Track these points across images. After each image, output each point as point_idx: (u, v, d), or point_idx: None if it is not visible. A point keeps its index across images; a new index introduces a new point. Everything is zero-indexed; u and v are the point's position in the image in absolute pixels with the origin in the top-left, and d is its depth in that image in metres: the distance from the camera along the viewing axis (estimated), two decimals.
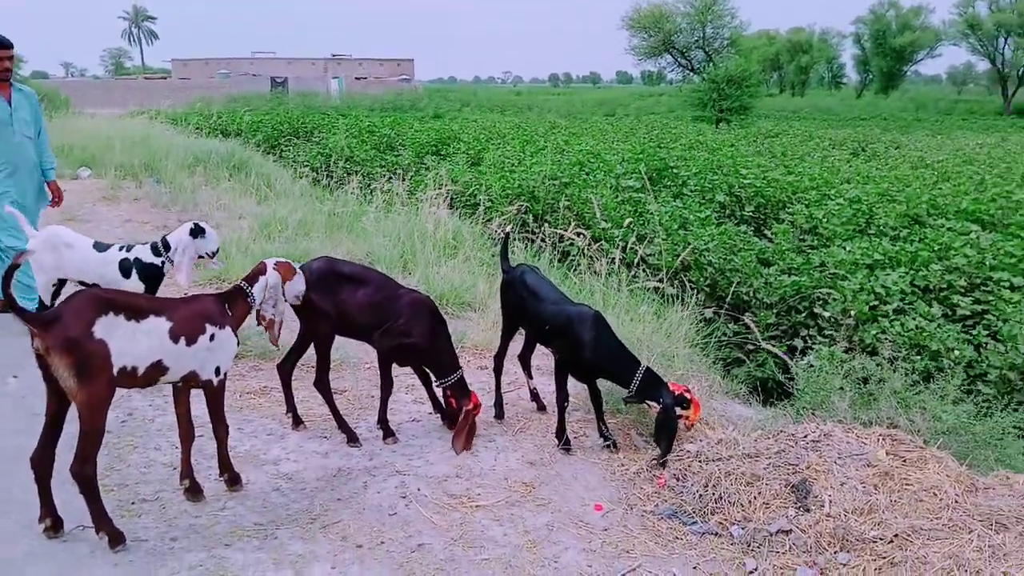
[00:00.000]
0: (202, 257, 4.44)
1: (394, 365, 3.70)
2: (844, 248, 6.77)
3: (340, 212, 9.31)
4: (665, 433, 3.41)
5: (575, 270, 6.80)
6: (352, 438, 3.62)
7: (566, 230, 7.01)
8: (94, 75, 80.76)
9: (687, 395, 3.53)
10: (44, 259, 4.44)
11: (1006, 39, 43.98)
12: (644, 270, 6.63)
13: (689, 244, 6.68)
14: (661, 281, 6.22)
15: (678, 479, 3.32)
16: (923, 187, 9.58)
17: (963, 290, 5.95)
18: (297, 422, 3.77)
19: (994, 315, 5.39)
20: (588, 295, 5.97)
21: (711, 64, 36.08)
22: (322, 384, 3.65)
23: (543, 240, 7.56)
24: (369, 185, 11.25)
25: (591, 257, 6.78)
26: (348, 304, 3.55)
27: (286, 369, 3.77)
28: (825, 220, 7.88)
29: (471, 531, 2.98)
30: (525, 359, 4.20)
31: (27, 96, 5.33)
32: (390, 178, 10.96)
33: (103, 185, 11.92)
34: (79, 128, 19.93)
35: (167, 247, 4.34)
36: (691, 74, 43.01)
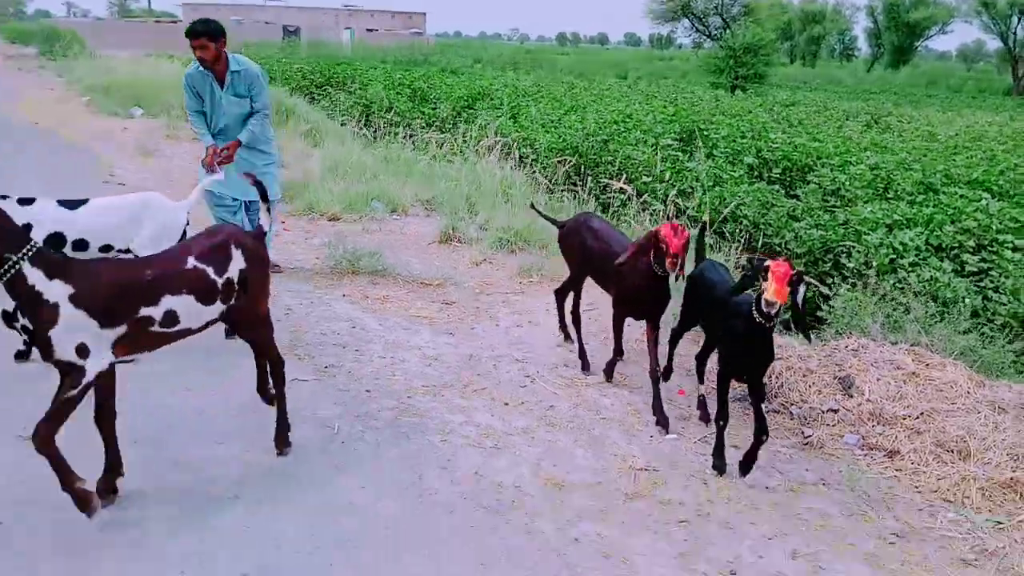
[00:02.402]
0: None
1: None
2: (866, 208, 7.52)
3: (395, 158, 10.05)
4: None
5: (619, 221, 7.56)
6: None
7: (616, 181, 7.73)
8: (96, 16, 79.96)
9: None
10: None
11: (1019, 19, 44.32)
12: (684, 222, 7.40)
13: (726, 199, 7.43)
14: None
15: None
16: (937, 158, 10.32)
17: (971, 250, 6.71)
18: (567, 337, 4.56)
19: (997, 272, 6.16)
20: None
21: (728, 31, 36.39)
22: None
23: (588, 193, 8.32)
24: (410, 136, 11.97)
25: (638, 208, 7.56)
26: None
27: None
28: (848, 183, 8.62)
29: (587, 400, 3.82)
30: (701, 361, 3.87)
31: (244, 75, 5.19)
32: (435, 128, 11.68)
33: (159, 124, 12.59)
34: (109, 68, 20.46)
35: None
36: (707, 40, 43.31)
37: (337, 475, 3.08)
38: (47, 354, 2.52)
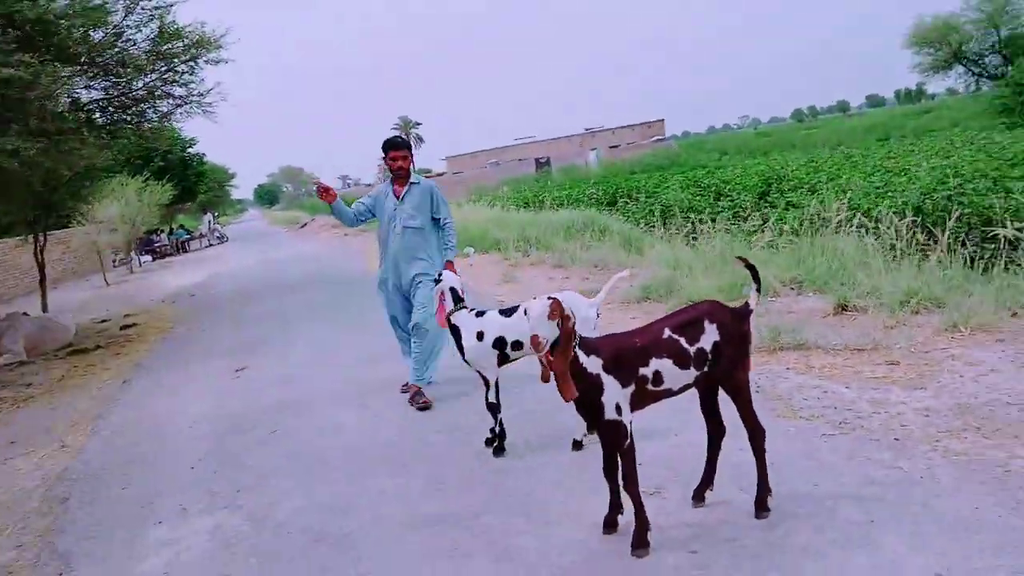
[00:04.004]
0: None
1: None
2: None
3: (730, 252, 10.45)
4: None
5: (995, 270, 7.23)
6: None
7: (1007, 228, 7.48)
8: (367, 183, 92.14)
9: None
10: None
11: None
12: None
13: None
14: None
15: None
16: None
17: None
18: None
19: None
20: None
21: (1012, 66, 33.51)
22: None
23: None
24: (716, 229, 12.37)
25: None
26: None
27: None
28: None
29: None
30: None
31: (422, 189, 5.87)
32: (762, 219, 12.03)
33: (497, 258, 14.23)
34: None
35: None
36: (984, 80, 40.13)
37: None
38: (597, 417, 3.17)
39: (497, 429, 4.65)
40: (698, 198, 15.97)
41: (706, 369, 3.33)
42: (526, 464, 4.42)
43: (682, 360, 3.27)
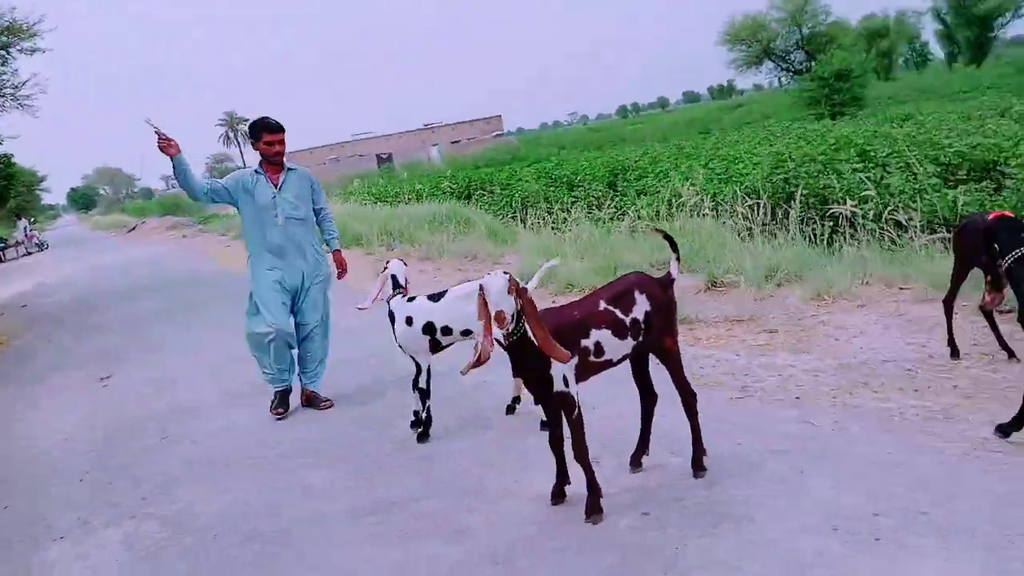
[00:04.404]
0: None
1: None
2: None
3: (585, 238, 10.87)
4: None
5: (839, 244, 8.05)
6: None
7: (844, 206, 8.27)
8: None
9: None
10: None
11: None
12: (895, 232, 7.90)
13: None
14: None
15: None
16: None
17: None
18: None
19: None
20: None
21: (814, 63, 36.96)
22: None
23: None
24: (570, 218, 12.83)
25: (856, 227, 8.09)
26: None
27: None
28: None
29: None
30: None
31: (299, 176, 5.34)
32: (615, 207, 12.56)
33: (359, 253, 13.93)
34: None
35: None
36: (793, 76, 43.94)
37: None
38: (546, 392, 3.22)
39: (424, 415, 4.58)
40: (551, 189, 16.44)
41: (640, 339, 3.45)
42: (450, 448, 4.40)
43: (619, 330, 3.37)
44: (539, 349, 3.09)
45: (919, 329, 5.43)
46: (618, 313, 3.39)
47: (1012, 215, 4.13)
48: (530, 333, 3.08)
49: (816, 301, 6.47)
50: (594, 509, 3.28)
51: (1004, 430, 3.58)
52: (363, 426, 4.98)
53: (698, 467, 3.57)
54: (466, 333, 4.47)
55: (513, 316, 3.04)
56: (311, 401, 5.55)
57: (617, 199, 13.88)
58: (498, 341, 3.20)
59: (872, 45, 59.82)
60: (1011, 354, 4.66)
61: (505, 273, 3.08)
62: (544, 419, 4.37)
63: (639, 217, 11.02)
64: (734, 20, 43.97)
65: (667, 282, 3.62)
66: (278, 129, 5.18)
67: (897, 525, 2.92)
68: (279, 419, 5.35)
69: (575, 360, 3.26)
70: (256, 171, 5.27)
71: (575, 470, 3.38)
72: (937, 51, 62.73)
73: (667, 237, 3.79)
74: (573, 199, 15.02)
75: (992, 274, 4.28)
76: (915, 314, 5.77)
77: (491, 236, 13.37)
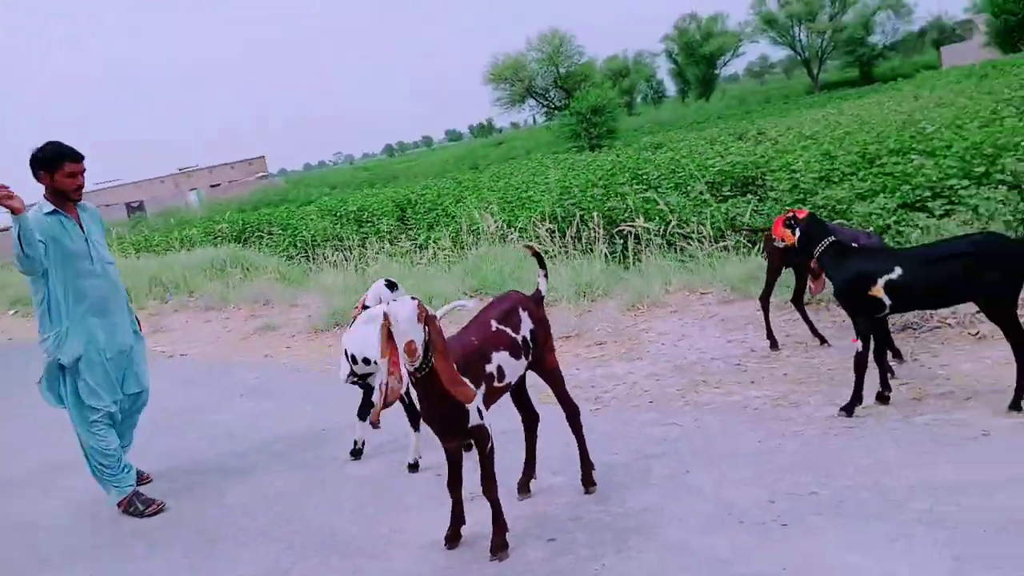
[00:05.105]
0: None
1: None
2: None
3: (384, 273, 10.63)
4: None
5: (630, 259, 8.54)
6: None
7: (633, 224, 8.75)
8: None
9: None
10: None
11: (799, 26, 51.00)
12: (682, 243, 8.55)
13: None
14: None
15: None
16: (835, 144, 12.04)
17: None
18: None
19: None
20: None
21: (572, 100, 39.52)
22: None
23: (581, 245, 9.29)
24: (360, 253, 12.58)
25: (644, 243, 8.63)
26: None
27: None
28: (802, 176, 10.02)
29: None
30: None
31: (92, 215, 4.35)
32: (410, 239, 12.41)
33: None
34: None
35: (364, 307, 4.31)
36: (552, 113, 46.65)
37: None
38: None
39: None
40: (338, 226, 15.97)
41: (529, 358, 3.30)
42: (310, 503, 3.94)
43: (515, 351, 3.22)
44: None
45: (734, 327, 5.78)
46: (510, 332, 3.23)
47: (815, 214, 4.51)
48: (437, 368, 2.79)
49: (633, 311, 6.72)
50: (500, 546, 3.05)
51: (847, 409, 3.85)
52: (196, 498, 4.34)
53: (588, 483, 3.46)
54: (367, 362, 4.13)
55: (422, 347, 2.73)
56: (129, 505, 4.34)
57: (410, 232, 13.80)
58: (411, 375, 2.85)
59: (616, 83, 65.41)
60: (823, 340, 5.08)
61: (414, 299, 2.78)
62: (412, 461, 4.08)
63: (440, 248, 10.95)
64: (497, 60, 46.16)
65: (539, 299, 3.53)
66: (80, 157, 4.14)
67: (793, 509, 2.99)
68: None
69: (482, 389, 3.04)
70: (54, 211, 4.09)
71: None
72: (671, 87, 69.92)
73: (535, 254, 3.69)
74: (363, 235, 14.68)
75: (806, 268, 4.64)
76: (724, 314, 6.16)
77: (282, 279, 12.65)
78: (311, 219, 16.48)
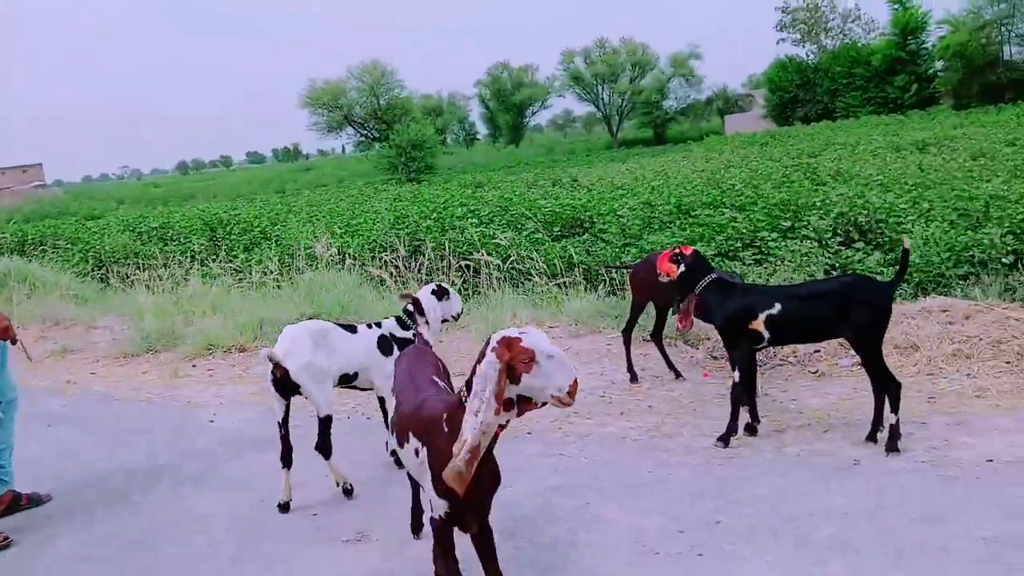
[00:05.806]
0: (446, 320, 4.16)
1: None
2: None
3: (201, 295, 9.86)
4: None
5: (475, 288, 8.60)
6: None
7: (484, 255, 8.77)
8: None
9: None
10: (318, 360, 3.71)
11: (602, 86, 54.55)
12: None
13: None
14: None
15: None
16: (668, 193, 12.87)
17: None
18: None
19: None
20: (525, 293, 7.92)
21: (392, 132, 39.32)
22: None
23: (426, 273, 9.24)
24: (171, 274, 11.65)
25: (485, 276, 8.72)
26: None
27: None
28: (628, 222, 10.56)
29: None
30: None
31: None
32: (228, 259, 11.58)
33: None
34: None
35: (412, 318, 3.97)
36: (367, 143, 46.03)
37: None
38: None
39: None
40: (138, 244, 14.61)
41: None
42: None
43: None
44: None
45: (589, 360, 5.91)
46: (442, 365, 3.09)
47: (699, 251, 4.70)
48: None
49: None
50: None
51: (724, 439, 4.01)
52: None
53: None
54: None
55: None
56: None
57: (222, 252, 12.91)
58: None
59: (432, 121, 66.20)
60: (677, 374, 5.30)
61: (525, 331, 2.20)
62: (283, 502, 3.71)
63: (267, 272, 10.32)
64: (315, 85, 44.95)
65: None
66: None
67: (705, 538, 3.04)
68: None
69: None
70: None
71: None
72: (483, 130, 71.86)
73: (414, 300, 3.83)
74: (169, 253, 13.53)
75: (671, 305, 4.83)
76: (577, 347, 6.28)
77: (75, 298, 11.34)
78: (107, 234, 14.95)
